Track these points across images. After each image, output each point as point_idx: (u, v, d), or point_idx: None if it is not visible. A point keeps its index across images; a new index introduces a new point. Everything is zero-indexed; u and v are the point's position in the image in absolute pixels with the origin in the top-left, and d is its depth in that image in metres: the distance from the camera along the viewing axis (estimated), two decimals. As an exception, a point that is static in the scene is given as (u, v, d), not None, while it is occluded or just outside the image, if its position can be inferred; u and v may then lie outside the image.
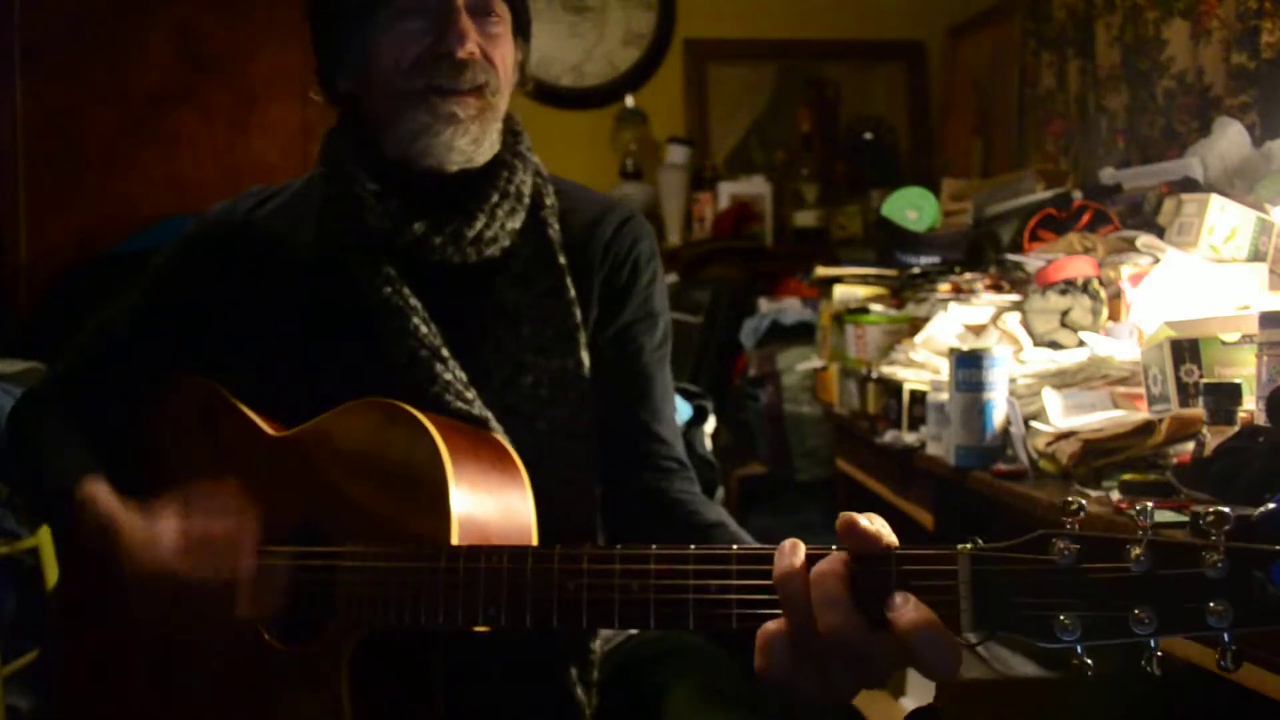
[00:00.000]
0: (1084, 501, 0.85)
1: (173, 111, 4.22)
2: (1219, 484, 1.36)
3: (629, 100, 4.50)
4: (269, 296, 1.39)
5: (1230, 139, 2.35)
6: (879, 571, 0.88)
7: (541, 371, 1.36)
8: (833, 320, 3.00)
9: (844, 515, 0.90)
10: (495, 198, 1.35)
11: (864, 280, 2.99)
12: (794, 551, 0.91)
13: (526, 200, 1.39)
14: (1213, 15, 2.68)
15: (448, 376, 1.30)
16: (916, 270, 2.82)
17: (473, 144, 1.33)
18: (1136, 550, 0.80)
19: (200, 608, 1.20)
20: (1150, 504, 0.83)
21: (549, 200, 1.42)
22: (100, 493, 1.28)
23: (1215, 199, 2.08)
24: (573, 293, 1.38)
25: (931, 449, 2.11)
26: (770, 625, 0.90)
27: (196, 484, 1.25)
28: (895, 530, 0.93)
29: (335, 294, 1.35)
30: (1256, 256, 2.05)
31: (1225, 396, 1.44)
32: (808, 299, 3.72)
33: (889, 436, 2.35)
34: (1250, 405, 1.47)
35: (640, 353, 1.44)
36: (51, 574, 2.70)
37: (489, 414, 1.30)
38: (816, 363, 3.24)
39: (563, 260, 1.39)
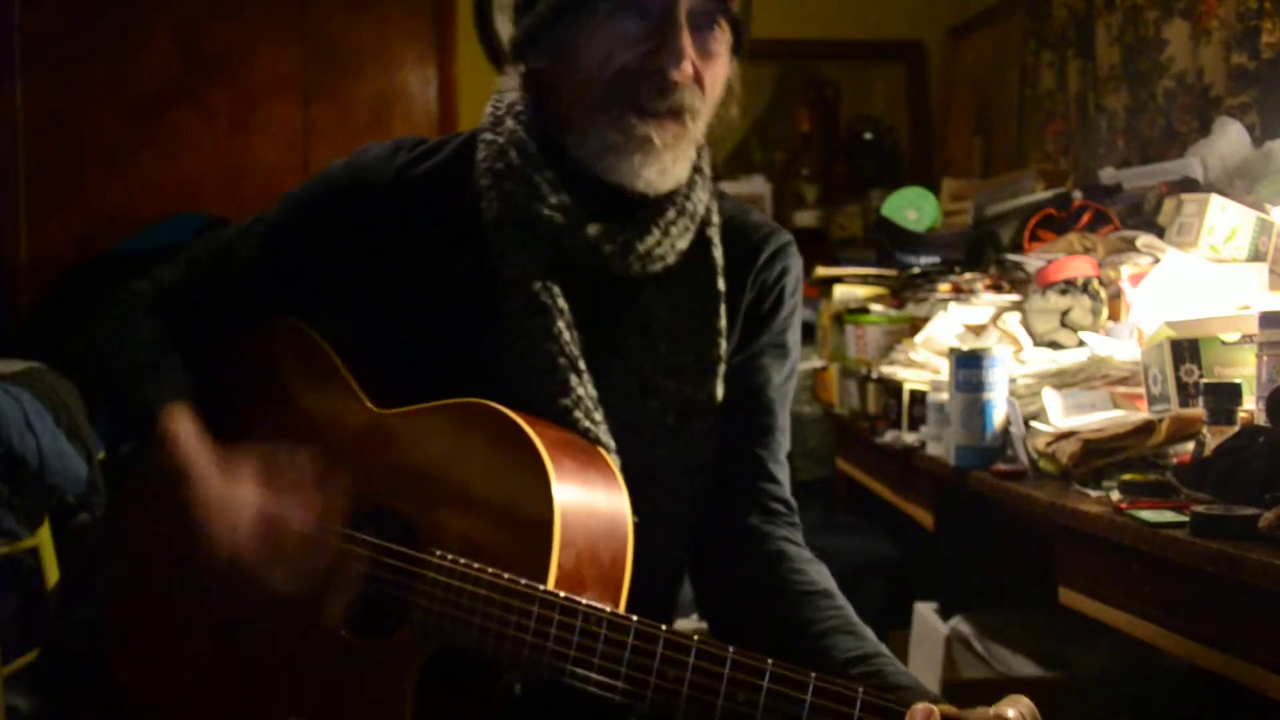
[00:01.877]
0: None
1: (173, 111, 4.22)
2: (1219, 484, 1.36)
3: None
4: (405, 260, 1.29)
5: (1230, 139, 2.35)
6: None
7: (671, 397, 1.28)
8: (833, 320, 3.00)
9: (998, 711, 0.88)
10: (672, 214, 1.27)
11: (864, 280, 2.99)
12: None
13: (699, 220, 1.31)
14: (1213, 15, 2.68)
15: (580, 392, 1.23)
16: (916, 270, 2.82)
17: (660, 174, 1.23)
18: None
19: (269, 589, 1.16)
20: None
21: (715, 219, 1.33)
22: (183, 431, 1.20)
23: (1215, 199, 2.08)
24: (724, 321, 1.30)
25: (931, 449, 2.11)
26: None
27: (282, 449, 1.19)
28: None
29: (477, 274, 1.27)
30: (1256, 256, 2.05)
31: (1225, 396, 1.44)
32: (808, 299, 3.71)
33: (889, 436, 2.35)
34: (1250, 405, 1.47)
35: (766, 385, 1.35)
36: (51, 574, 2.71)
37: (613, 442, 1.23)
38: (816, 363, 3.24)
39: (721, 285, 1.31)
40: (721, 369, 1.30)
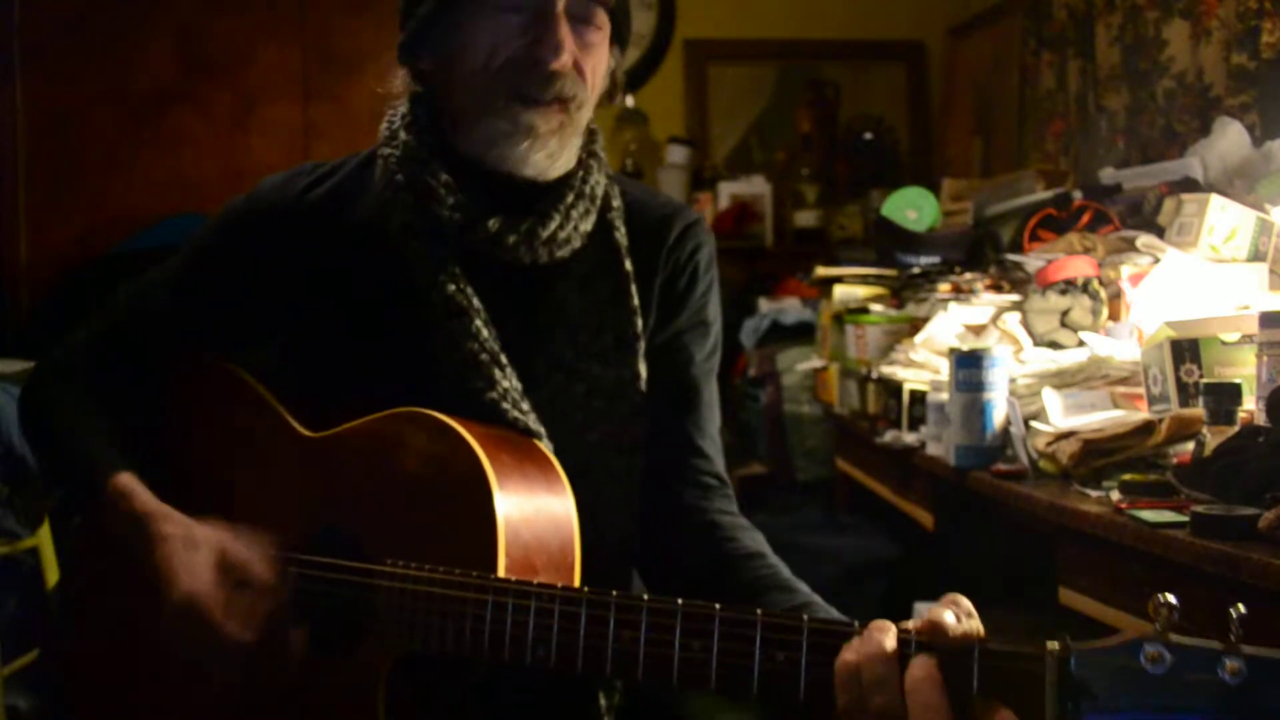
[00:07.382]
0: (1172, 600, 0.82)
1: (173, 111, 4.22)
2: (1219, 484, 1.36)
3: (629, 100, 4.49)
4: (319, 281, 1.33)
5: (1230, 139, 2.35)
6: (961, 665, 0.87)
7: (596, 380, 1.32)
8: (833, 320, 3.00)
9: (933, 615, 0.89)
10: (570, 198, 1.31)
11: (864, 280, 2.99)
12: (884, 637, 0.89)
13: (599, 202, 1.35)
14: (1213, 15, 2.68)
15: (505, 384, 1.26)
16: (916, 270, 2.82)
17: (548, 158, 1.28)
18: (1233, 664, 0.78)
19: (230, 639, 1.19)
20: (1244, 609, 0.80)
21: (616, 202, 1.37)
22: (135, 489, 1.25)
23: (1215, 199, 2.08)
24: (636, 301, 1.34)
25: (931, 449, 2.11)
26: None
27: (239, 522, 1.22)
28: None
29: (389, 285, 1.30)
30: (1256, 256, 2.05)
31: (1225, 396, 1.44)
32: (808, 299, 3.72)
33: (889, 436, 2.35)
34: (1250, 405, 1.47)
35: (690, 363, 1.39)
36: (51, 574, 2.70)
37: (542, 429, 1.26)
38: (816, 363, 3.24)
39: (628, 266, 1.34)
40: (641, 347, 1.34)
